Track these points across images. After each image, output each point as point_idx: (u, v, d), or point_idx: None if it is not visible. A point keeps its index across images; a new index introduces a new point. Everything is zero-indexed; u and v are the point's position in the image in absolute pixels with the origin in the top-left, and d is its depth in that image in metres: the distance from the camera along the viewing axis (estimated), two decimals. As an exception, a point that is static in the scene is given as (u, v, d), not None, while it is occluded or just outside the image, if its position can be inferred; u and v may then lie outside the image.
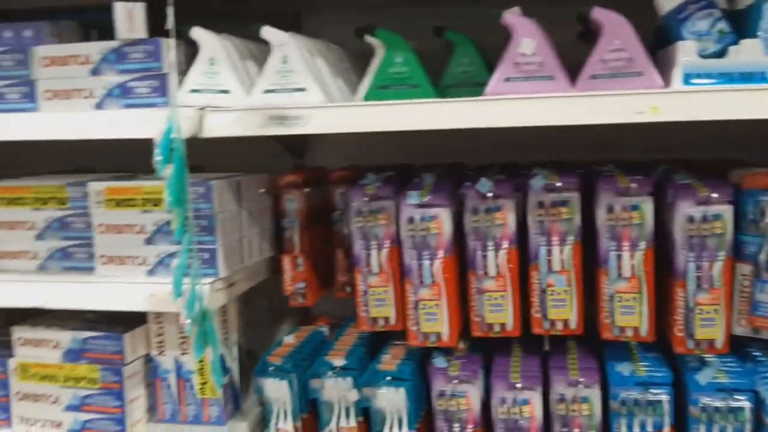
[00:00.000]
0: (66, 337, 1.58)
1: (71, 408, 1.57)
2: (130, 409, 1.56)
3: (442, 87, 1.52)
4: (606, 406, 1.46)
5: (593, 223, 1.45)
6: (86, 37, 1.63)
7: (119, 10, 1.39)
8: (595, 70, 1.27)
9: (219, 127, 1.35)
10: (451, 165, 1.85)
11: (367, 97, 1.45)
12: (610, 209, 1.40)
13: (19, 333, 1.62)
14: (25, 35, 1.53)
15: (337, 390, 1.55)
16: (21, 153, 1.78)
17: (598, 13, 1.26)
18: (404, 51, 1.43)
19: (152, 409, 1.63)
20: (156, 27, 1.39)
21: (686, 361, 1.47)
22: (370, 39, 1.48)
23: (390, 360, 1.60)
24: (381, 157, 1.86)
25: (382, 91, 1.44)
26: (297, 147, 1.93)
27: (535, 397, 1.48)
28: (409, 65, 1.44)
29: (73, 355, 1.57)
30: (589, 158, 1.73)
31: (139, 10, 1.39)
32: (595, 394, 1.46)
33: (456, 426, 1.52)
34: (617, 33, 1.26)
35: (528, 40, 1.26)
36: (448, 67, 1.53)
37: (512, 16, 1.29)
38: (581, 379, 1.46)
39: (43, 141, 1.50)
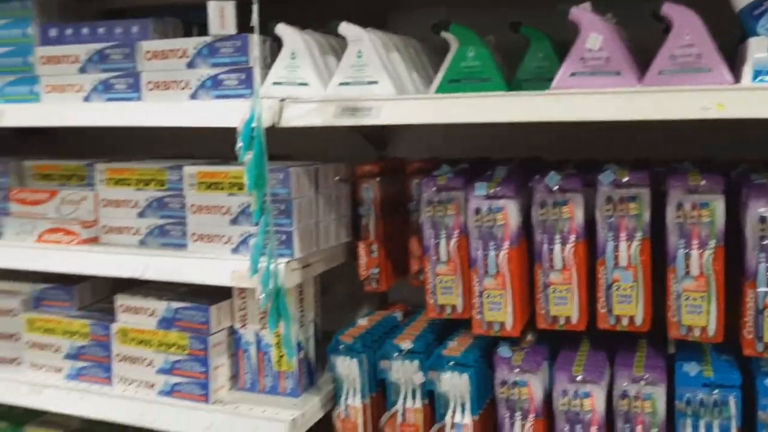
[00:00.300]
0: (160, 307, 1.73)
1: (163, 371, 1.72)
2: (214, 375, 1.69)
3: (516, 81, 1.54)
4: (672, 405, 1.45)
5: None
6: (188, 34, 1.78)
7: (212, 8, 1.52)
8: (663, 66, 1.26)
9: (296, 117, 1.44)
10: (528, 159, 1.87)
11: (439, 90, 1.49)
12: (680, 206, 1.38)
13: (121, 301, 1.79)
14: (133, 31, 1.70)
15: (403, 372, 1.61)
16: (127, 138, 1.96)
17: (668, 9, 1.25)
18: (476, 46, 1.47)
19: (234, 378, 1.76)
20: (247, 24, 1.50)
21: (760, 366, 1.43)
22: (445, 34, 1.52)
23: (456, 347, 1.64)
24: (462, 150, 1.90)
25: (453, 84, 1.49)
26: (378, 139, 2.01)
27: (597, 391, 1.48)
28: (481, 59, 1.47)
29: (166, 323, 1.73)
30: (673, 156, 1.70)
31: (230, 8, 1.51)
32: (659, 392, 1.45)
33: (517, 414, 1.54)
34: (687, 28, 1.24)
35: (595, 35, 1.27)
36: (522, 62, 1.56)
37: (579, 12, 1.30)
38: (645, 376, 1.45)
39: (146, 128, 1.65)
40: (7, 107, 1.79)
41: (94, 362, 1.80)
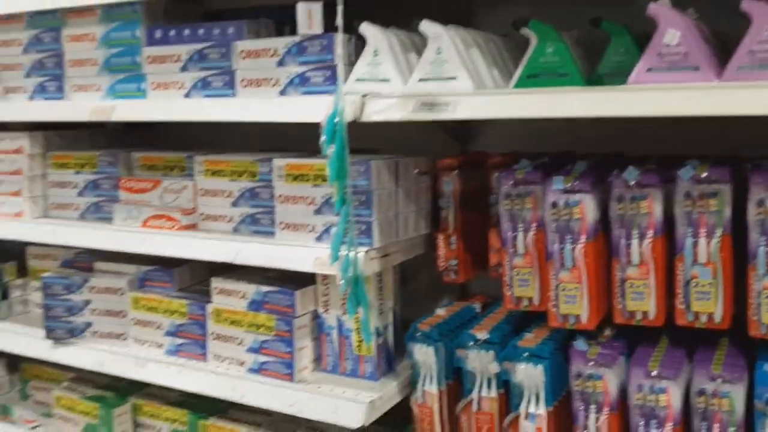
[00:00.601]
0: (251, 290, 1.85)
1: (252, 350, 1.83)
2: (298, 356, 1.79)
3: (597, 76, 1.55)
4: (751, 404, 1.42)
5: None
6: (280, 33, 1.88)
7: (300, 9, 1.60)
8: (742, 62, 1.24)
9: (376, 112, 1.51)
10: (610, 155, 1.86)
11: (517, 86, 1.52)
12: (761, 203, 1.36)
13: (215, 283, 1.92)
14: (229, 32, 1.81)
15: (479, 361, 1.65)
16: (223, 131, 2.09)
17: (747, 5, 1.23)
18: (555, 41, 1.49)
19: (317, 359, 1.85)
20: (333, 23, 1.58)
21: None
22: (525, 30, 1.55)
23: (532, 338, 1.67)
24: (546, 146, 1.92)
25: (531, 79, 1.51)
26: (461, 134, 2.05)
27: (673, 388, 1.47)
28: (560, 55, 1.49)
29: (256, 305, 1.84)
30: (761, 153, 1.65)
31: (317, 9, 1.59)
32: (737, 390, 1.43)
33: (592, 407, 1.55)
34: (767, 24, 1.22)
35: (672, 31, 1.27)
36: (603, 57, 1.56)
37: (657, 7, 1.30)
38: (723, 374, 1.43)
39: (240, 122, 1.76)
40: (118, 103, 1.95)
41: (191, 340, 1.94)
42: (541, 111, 1.39)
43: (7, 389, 2.45)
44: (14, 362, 2.44)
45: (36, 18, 2.12)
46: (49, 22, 2.10)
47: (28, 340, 2.18)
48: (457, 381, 1.72)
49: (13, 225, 2.19)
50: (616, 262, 1.51)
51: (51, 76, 2.10)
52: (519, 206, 1.61)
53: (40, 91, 2.13)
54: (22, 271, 2.43)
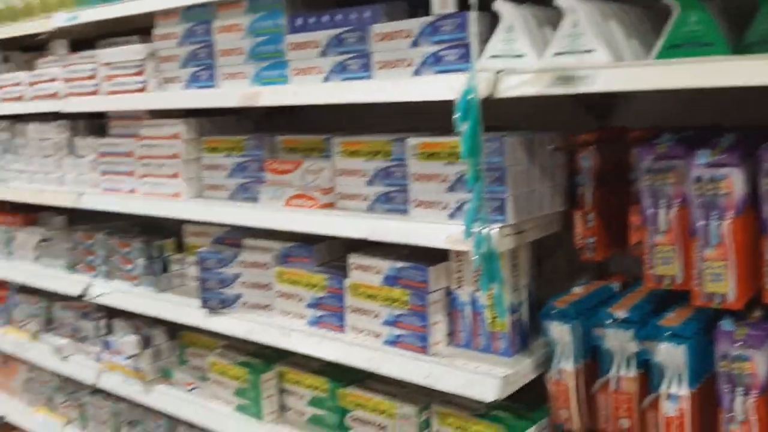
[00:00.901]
0: (385, 265, 1.91)
1: (387, 323, 1.90)
2: (432, 330, 1.83)
3: (744, 45, 1.46)
4: None
5: None
6: (413, 16, 1.91)
7: (434, -11, 1.63)
8: None
9: (511, 87, 1.51)
10: (762, 127, 1.75)
11: (659, 57, 1.46)
12: None
13: (352, 259, 2.00)
14: (365, 16, 1.86)
15: (618, 340, 1.62)
16: (359, 113, 2.16)
17: None
18: (699, 10, 1.42)
19: (451, 334, 1.89)
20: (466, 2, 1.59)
21: None
22: (666, 0, 1.49)
23: (674, 318, 1.61)
24: (690, 119, 1.83)
25: (673, 50, 1.45)
26: (599, 109, 1.99)
27: (830, 374, 1.38)
28: (703, 24, 1.42)
29: (390, 280, 1.90)
30: None
31: (451, -12, 1.61)
32: None
33: (739, 390, 1.48)
34: None
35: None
36: (752, 24, 1.46)
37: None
38: None
39: (374, 105, 1.82)
40: (263, 89, 2.07)
41: (331, 312, 2.04)
42: (686, 81, 1.33)
43: (168, 355, 2.69)
44: (173, 330, 2.67)
45: (189, 12, 2.29)
46: (200, 15, 2.26)
47: (185, 310, 2.38)
48: (593, 360, 1.70)
49: (172, 204, 2.39)
50: (766, 239, 1.43)
51: (203, 66, 2.26)
52: (661, 182, 1.56)
53: (194, 80, 2.30)
54: (180, 247, 2.65)
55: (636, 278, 1.90)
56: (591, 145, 1.74)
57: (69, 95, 2.70)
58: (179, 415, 2.52)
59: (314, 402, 2.20)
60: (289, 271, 2.13)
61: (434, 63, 1.71)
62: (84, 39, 2.81)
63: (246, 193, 2.28)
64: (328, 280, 2.04)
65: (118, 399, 2.86)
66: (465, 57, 1.65)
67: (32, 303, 3.21)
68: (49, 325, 3.14)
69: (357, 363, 1.91)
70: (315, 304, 2.07)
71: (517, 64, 1.57)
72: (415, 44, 1.75)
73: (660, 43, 1.48)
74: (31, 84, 2.90)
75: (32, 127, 2.99)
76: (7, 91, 3.03)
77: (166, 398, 2.54)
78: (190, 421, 2.49)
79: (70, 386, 3.14)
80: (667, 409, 1.53)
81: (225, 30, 2.18)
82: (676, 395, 1.52)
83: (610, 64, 1.45)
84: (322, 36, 1.94)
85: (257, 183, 2.22)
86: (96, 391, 2.97)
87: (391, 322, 1.88)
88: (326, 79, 1.95)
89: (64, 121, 2.86)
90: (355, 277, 1.98)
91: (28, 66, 3.09)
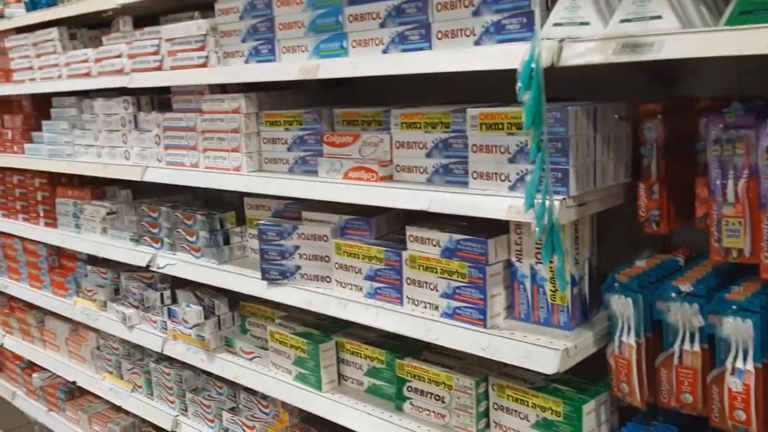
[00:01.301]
0: (444, 238, 1.91)
1: (445, 295, 1.91)
2: (491, 303, 1.83)
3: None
4: None
5: None
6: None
7: (496, -43, 1.60)
8: None
9: (575, 56, 1.48)
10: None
11: (729, 23, 1.41)
12: None
13: (410, 231, 2.01)
14: (426, -14, 1.85)
15: (682, 314, 1.59)
16: (419, 84, 2.15)
17: None
18: (774, -28, 1.36)
19: (510, 307, 1.88)
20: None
21: None
22: (739, -38, 1.43)
23: (741, 291, 1.57)
24: (758, 89, 1.77)
25: (744, 16, 1.39)
26: (666, 78, 1.94)
27: None
28: (778, -13, 1.36)
29: (449, 252, 1.90)
30: None
31: (513, -45, 1.58)
32: None
33: (810, 368, 1.45)
34: None
35: None
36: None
37: None
38: None
39: (436, 74, 1.80)
40: (322, 62, 2.08)
41: (388, 284, 2.05)
42: (757, 47, 1.28)
43: (230, 324, 2.76)
44: (235, 300, 2.73)
45: (250, -14, 2.31)
46: (260, -11, 2.28)
47: (246, 281, 2.43)
48: (656, 334, 1.68)
49: (233, 178, 2.44)
50: (843, 211, 1.38)
51: (263, 40, 2.28)
52: (729, 152, 1.51)
53: (255, 54, 2.32)
54: (241, 220, 2.71)
55: (700, 252, 1.86)
56: (656, 114, 1.70)
57: (134, 71, 2.77)
58: (241, 383, 2.59)
59: (372, 372, 2.23)
60: (347, 244, 2.16)
61: (496, 32, 1.69)
62: (147, 15, 2.87)
63: (305, 166, 2.30)
64: (385, 253, 2.05)
65: (182, 366, 2.96)
66: (527, 26, 1.62)
67: (100, 273, 3.33)
68: (116, 294, 3.26)
69: (415, 334, 1.93)
70: (373, 276, 2.09)
71: (581, 31, 1.54)
72: (476, 13, 1.73)
73: (730, 9, 1.43)
74: (97, 60, 2.98)
75: (98, 103, 3.09)
76: (74, 67, 3.12)
77: (229, 366, 2.61)
78: (252, 388, 2.56)
79: (136, 354, 3.26)
80: (733, 383, 1.50)
81: (285, 3, 2.20)
82: (742, 370, 1.49)
83: (677, 31, 1.41)
84: (382, 7, 1.93)
85: (316, 156, 2.24)
86: (161, 358, 3.08)
87: (449, 295, 1.89)
88: (385, 51, 1.94)
89: (129, 97, 2.94)
90: (413, 249, 1.99)
91: (94, 43, 3.18)
